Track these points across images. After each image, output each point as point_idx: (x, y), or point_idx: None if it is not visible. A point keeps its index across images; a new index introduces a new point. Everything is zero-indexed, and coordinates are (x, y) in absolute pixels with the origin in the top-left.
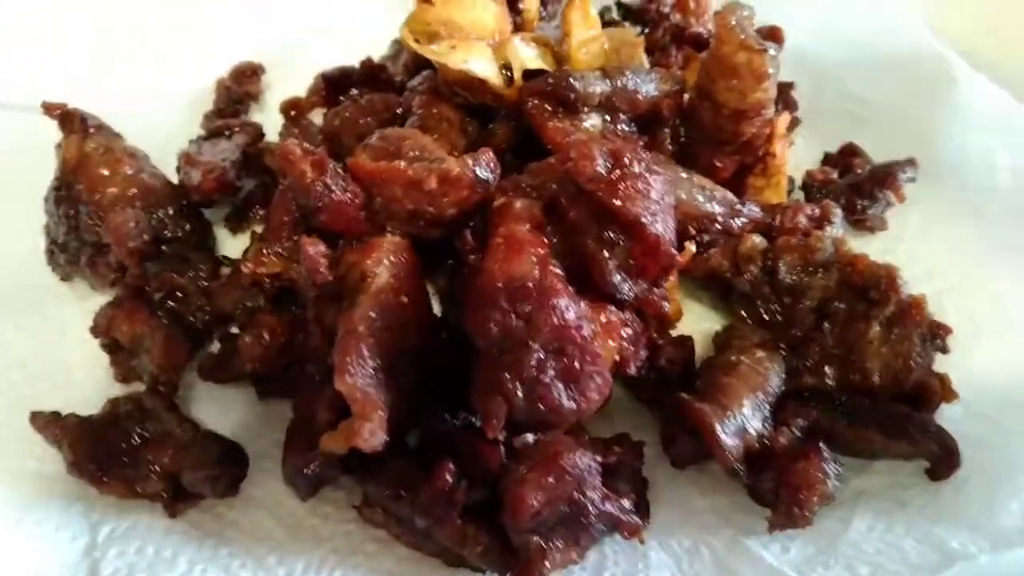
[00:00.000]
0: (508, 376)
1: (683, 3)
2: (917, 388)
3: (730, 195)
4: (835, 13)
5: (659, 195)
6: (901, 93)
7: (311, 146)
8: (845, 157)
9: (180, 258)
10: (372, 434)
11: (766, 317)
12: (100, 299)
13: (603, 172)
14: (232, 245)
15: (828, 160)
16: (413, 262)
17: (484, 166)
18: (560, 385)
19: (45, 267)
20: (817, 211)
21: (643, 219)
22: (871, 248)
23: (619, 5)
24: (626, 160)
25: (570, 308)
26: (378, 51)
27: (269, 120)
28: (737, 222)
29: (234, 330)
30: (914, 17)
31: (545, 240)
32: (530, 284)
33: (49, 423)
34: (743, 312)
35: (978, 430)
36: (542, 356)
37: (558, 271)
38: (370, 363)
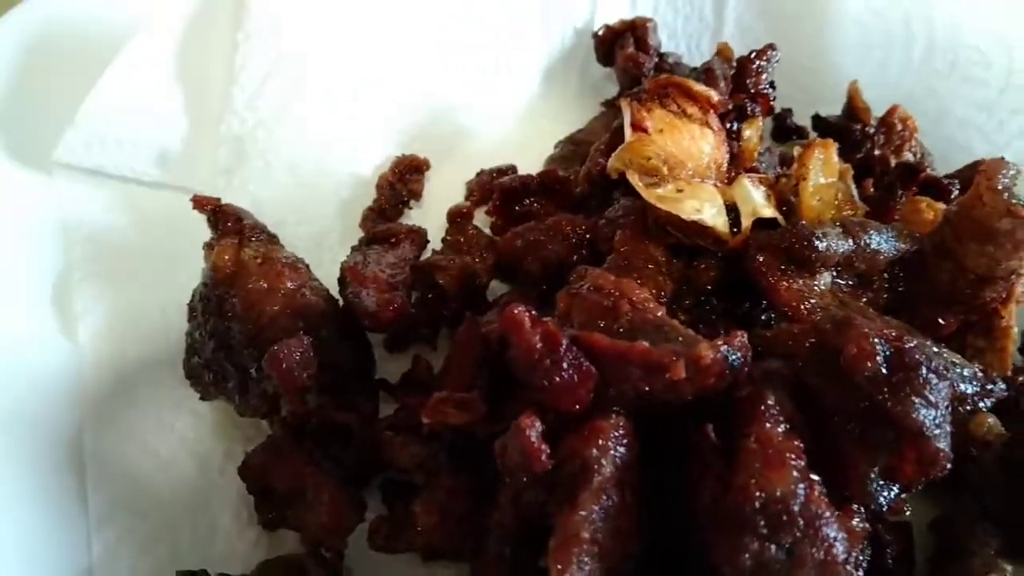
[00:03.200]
0: None
1: (889, 124)
2: None
3: (978, 371)
4: None
5: (943, 403)
6: None
7: (535, 313)
8: None
9: (339, 388)
10: None
11: (997, 513)
12: (244, 423)
13: (884, 371)
14: (386, 364)
15: None
16: (637, 449)
17: (737, 352)
18: None
19: (182, 379)
20: None
21: (927, 433)
22: None
23: (817, 120)
24: (911, 360)
25: (839, 540)
26: (528, 143)
27: (423, 213)
28: (985, 403)
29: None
30: None
31: (801, 444)
32: (794, 507)
33: None
34: (972, 502)
35: None
36: None
37: (822, 488)
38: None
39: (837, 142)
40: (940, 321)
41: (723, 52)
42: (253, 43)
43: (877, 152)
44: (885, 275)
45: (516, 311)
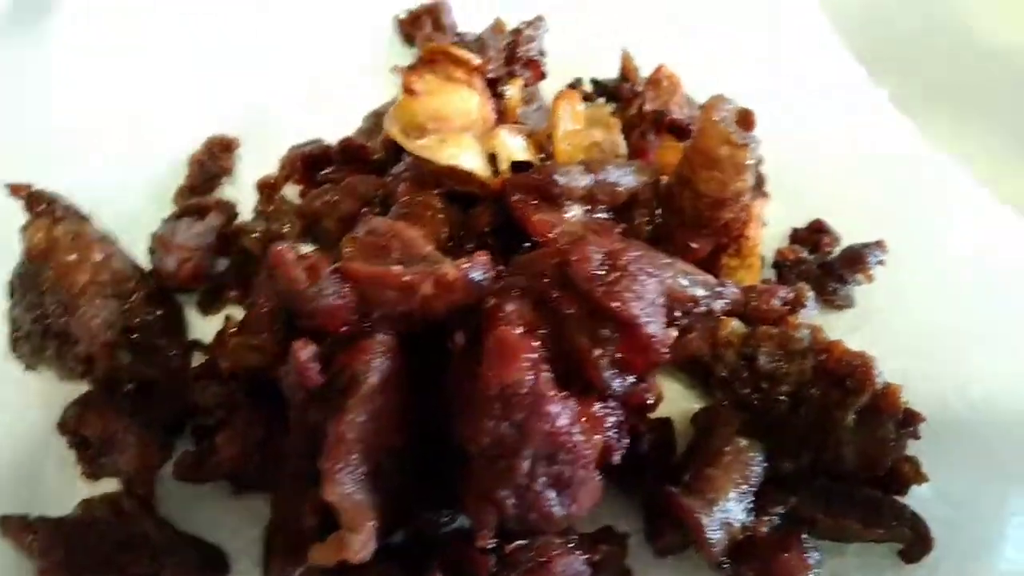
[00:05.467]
0: (500, 484)
1: (656, 83)
2: (890, 472)
3: (711, 278)
4: (801, 94)
5: (653, 295)
6: (866, 173)
7: (297, 247)
8: (814, 234)
9: (150, 347)
10: (362, 546)
11: (743, 400)
12: (66, 388)
13: (601, 273)
14: (203, 326)
15: (796, 237)
16: (401, 361)
17: (479, 269)
18: (552, 492)
19: (6, 355)
20: (791, 294)
21: (639, 320)
22: (840, 323)
23: (594, 82)
24: (622, 262)
25: (562, 414)
26: (341, 122)
27: (240, 194)
28: (718, 304)
29: (206, 421)
30: (877, 97)
31: (536, 343)
32: (524, 391)
33: (21, 528)
34: (721, 395)
35: (948, 512)
36: (533, 463)
37: (549, 375)
38: (358, 469)
39: (613, 101)
40: (692, 245)
41: (497, 26)
42: (64, 37)
43: (648, 107)
44: (644, 209)
45: (279, 248)
